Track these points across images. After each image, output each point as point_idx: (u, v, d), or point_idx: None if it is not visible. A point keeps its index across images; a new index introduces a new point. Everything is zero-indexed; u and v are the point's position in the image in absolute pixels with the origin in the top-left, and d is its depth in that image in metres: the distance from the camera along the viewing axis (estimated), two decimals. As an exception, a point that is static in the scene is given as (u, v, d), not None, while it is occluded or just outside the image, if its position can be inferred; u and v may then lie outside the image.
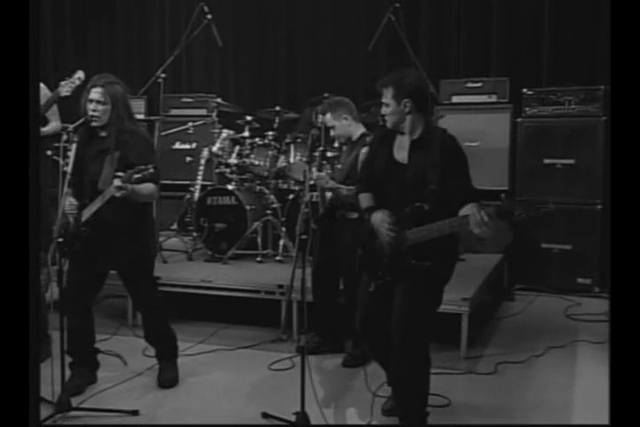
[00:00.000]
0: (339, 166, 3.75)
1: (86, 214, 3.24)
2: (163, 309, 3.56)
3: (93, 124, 3.25)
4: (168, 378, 3.52)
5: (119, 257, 3.34)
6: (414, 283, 2.77)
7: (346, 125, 3.86)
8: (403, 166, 2.83)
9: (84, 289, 3.40)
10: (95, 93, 3.23)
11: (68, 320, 3.37)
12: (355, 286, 3.77)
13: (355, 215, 3.77)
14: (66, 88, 3.88)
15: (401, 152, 2.87)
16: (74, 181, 3.23)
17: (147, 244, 3.50)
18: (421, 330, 2.83)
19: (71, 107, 4.07)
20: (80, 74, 3.90)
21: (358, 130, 3.89)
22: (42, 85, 4.19)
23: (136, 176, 3.04)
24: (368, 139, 3.82)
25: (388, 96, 2.84)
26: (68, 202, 3.26)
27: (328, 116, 3.84)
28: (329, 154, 4.34)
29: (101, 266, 3.39)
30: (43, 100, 3.88)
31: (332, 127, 3.86)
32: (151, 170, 3.05)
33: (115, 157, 3.22)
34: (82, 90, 3.41)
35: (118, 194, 3.06)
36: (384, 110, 2.87)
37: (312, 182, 3.76)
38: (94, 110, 3.22)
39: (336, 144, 4.30)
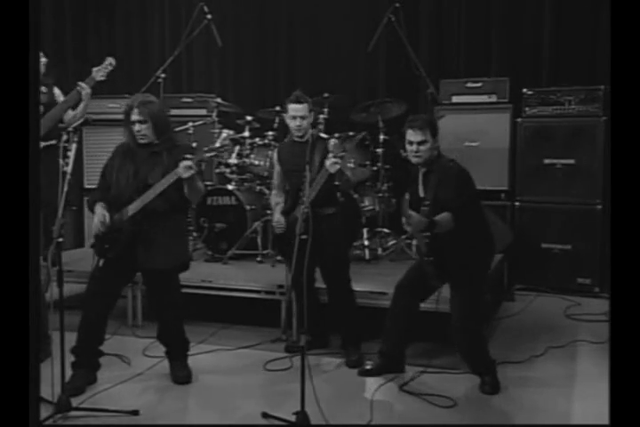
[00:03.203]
0: (330, 153, 3.74)
1: (135, 209, 3.34)
2: (182, 311, 3.63)
3: (141, 141, 3.41)
4: (182, 375, 3.56)
5: (156, 258, 3.38)
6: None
7: (310, 121, 3.90)
8: (422, 199, 3.32)
9: (112, 288, 3.47)
10: (134, 115, 3.38)
11: (84, 317, 3.44)
12: (338, 282, 3.79)
13: (332, 211, 3.80)
14: (100, 73, 4.10)
15: (420, 187, 3.41)
16: (118, 191, 3.39)
17: (183, 253, 3.60)
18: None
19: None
20: (110, 60, 4.10)
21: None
22: (57, 91, 4.53)
23: (208, 155, 3.33)
24: (322, 135, 3.94)
25: (426, 134, 3.32)
26: (101, 213, 3.38)
27: (305, 105, 3.83)
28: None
29: (137, 265, 3.43)
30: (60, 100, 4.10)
31: (304, 117, 3.83)
32: (206, 156, 3.38)
33: (164, 158, 3.38)
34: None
35: (187, 174, 3.24)
36: (419, 148, 3.32)
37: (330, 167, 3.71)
38: (139, 131, 3.39)
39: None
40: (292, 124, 3.87)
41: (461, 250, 3.31)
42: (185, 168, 3.23)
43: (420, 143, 3.32)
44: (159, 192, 3.30)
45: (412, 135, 3.34)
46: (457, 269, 3.33)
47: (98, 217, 3.38)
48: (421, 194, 3.39)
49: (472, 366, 3.50)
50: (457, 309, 3.39)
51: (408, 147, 3.38)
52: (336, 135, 4.23)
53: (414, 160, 3.38)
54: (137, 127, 3.38)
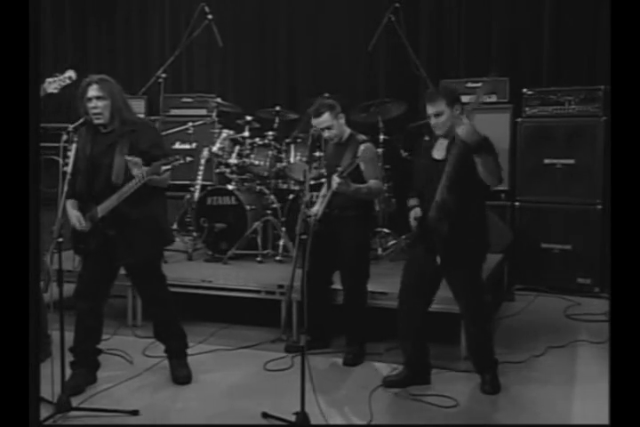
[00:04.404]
0: (339, 168, 3.74)
1: (103, 211, 3.26)
2: (172, 305, 3.60)
3: (97, 121, 3.27)
4: (182, 375, 3.55)
5: (137, 249, 3.35)
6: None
7: (342, 125, 3.89)
8: (441, 161, 3.28)
9: (98, 286, 3.44)
10: (92, 91, 3.25)
11: (77, 317, 3.45)
12: (355, 284, 3.79)
13: (355, 213, 3.79)
14: (54, 85, 3.66)
15: (439, 152, 3.34)
16: (82, 183, 3.28)
17: (162, 237, 3.54)
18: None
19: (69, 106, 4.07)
20: (71, 73, 3.71)
21: (347, 130, 3.93)
22: None
23: (165, 168, 3.14)
24: (359, 136, 3.89)
25: (440, 106, 3.25)
26: (75, 215, 3.31)
27: (326, 115, 3.81)
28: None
29: (118, 261, 3.41)
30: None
31: (330, 127, 3.84)
32: (181, 160, 3.16)
33: (124, 148, 3.24)
34: (74, 90, 3.39)
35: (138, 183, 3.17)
36: (436, 120, 3.27)
37: (312, 182, 3.74)
38: (95, 107, 3.24)
39: None
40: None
41: (463, 236, 3.26)
42: (139, 179, 3.17)
43: (436, 115, 3.27)
44: (115, 205, 3.23)
45: (428, 109, 3.30)
46: (457, 248, 3.27)
47: (72, 218, 3.31)
48: (437, 157, 3.34)
49: (476, 362, 3.51)
50: (461, 290, 3.39)
51: (429, 120, 3.34)
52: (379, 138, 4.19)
53: (435, 132, 3.35)
54: (93, 104, 3.24)
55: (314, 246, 3.94)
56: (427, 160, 3.39)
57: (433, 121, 3.29)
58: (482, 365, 3.50)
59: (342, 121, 3.88)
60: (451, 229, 3.20)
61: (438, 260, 3.28)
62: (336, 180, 3.56)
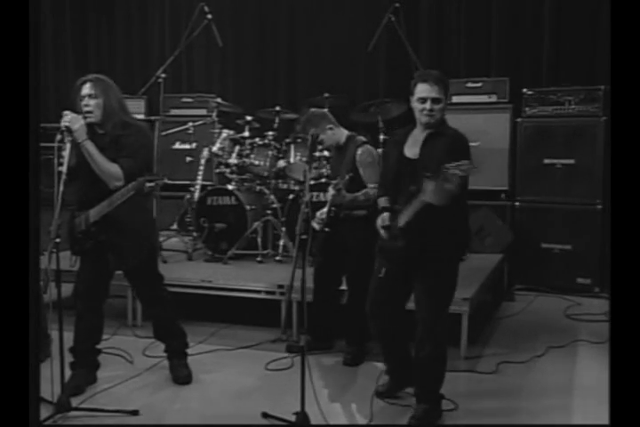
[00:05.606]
0: (334, 181, 3.76)
1: (95, 216, 3.24)
2: (171, 304, 3.60)
3: (89, 120, 3.22)
4: (182, 375, 3.55)
5: (128, 256, 3.35)
6: (435, 271, 2.97)
7: (332, 135, 3.90)
8: (415, 161, 2.97)
9: (96, 286, 3.44)
10: (85, 89, 3.23)
11: (77, 317, 3.44)
12: (359, 284, 3.80)
13: (362, 213, 3.77)
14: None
15: (412, 149, 3.01)
16: (79, 184, 3.28)
17: (153, 240, 3.58)
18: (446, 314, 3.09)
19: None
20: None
21: (343, 134, 3.93)
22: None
23: (148, 185, 3.13)
24: (358, 138, 3.88)
25: (441, 92, 2.91)
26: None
27: (312, 131, 3.82)
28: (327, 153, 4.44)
29: (111, 266, 3.40)
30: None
31: (321, 142, 3.89)
32: (165, 180, 3.11)
33: (111, 154, 3.21)
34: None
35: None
36: (432, 106, 2.90)
37: (312, 182, 3.76)
38: (87, 105, 3.21)
39: None
40: None
41: (441, 233, 2.90)
42: (118, 197, 3.14)
43: (434, 101, 2.89)
44: (106, 212, 3.20)
45: (426, 90, 2.89)
46: (433, 253, 2.93)
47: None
48: (410, 155, 3.01)
49: (416, 392, 3.15)
50: (425, 309, 3.00)
51: (418, 105, 2.93)
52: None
53: (425, 120, 2.92)
54: (85, 102, 3.21)
55: (323, 247, 3.96)
56: (397, 156, 3.04)
57: (428, 106, 2.89)
58: (422, 395, 3.10)
59: (331, 131, 3.88)
60: (427, 235, 2.88)
61: (382, 272, 3.06)
62: (330, 192, 3.62)
